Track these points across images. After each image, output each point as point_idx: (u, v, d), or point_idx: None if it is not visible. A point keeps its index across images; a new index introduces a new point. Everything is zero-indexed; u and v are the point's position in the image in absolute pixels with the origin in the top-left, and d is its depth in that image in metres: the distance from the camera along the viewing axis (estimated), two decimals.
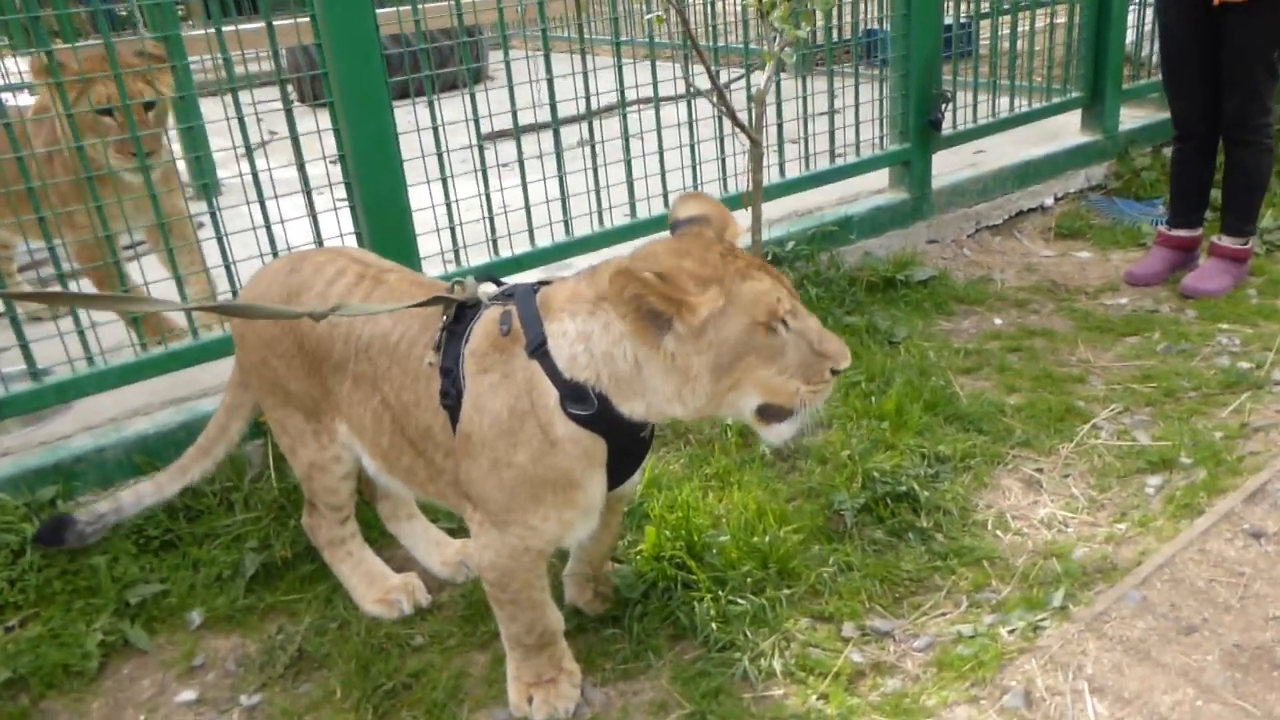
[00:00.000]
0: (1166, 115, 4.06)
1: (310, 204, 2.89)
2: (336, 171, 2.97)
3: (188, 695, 2.22)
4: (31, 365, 2.66)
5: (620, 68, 3.34)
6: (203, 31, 4.32)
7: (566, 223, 3.34)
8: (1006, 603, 2.27)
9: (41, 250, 2.83)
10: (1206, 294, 3.74)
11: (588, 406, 1.73)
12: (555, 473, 1.78)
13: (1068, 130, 4.87)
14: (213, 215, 2.81)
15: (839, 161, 4.00)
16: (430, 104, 3.00)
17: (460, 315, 1.89)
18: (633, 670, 2.15)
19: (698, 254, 1.71)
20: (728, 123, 2.93)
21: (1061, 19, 4.82)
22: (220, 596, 2.45)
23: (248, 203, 2.84)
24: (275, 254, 2.85)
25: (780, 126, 3.80)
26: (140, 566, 2.49)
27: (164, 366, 2.79)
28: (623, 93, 3.36)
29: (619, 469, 1.86)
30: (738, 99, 3.14)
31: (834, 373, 1.72)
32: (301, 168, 2.87)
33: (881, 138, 4.12)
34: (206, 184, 2.85)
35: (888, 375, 3.13)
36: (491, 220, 3.18)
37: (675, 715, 2.03)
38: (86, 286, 3.12)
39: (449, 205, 3.10)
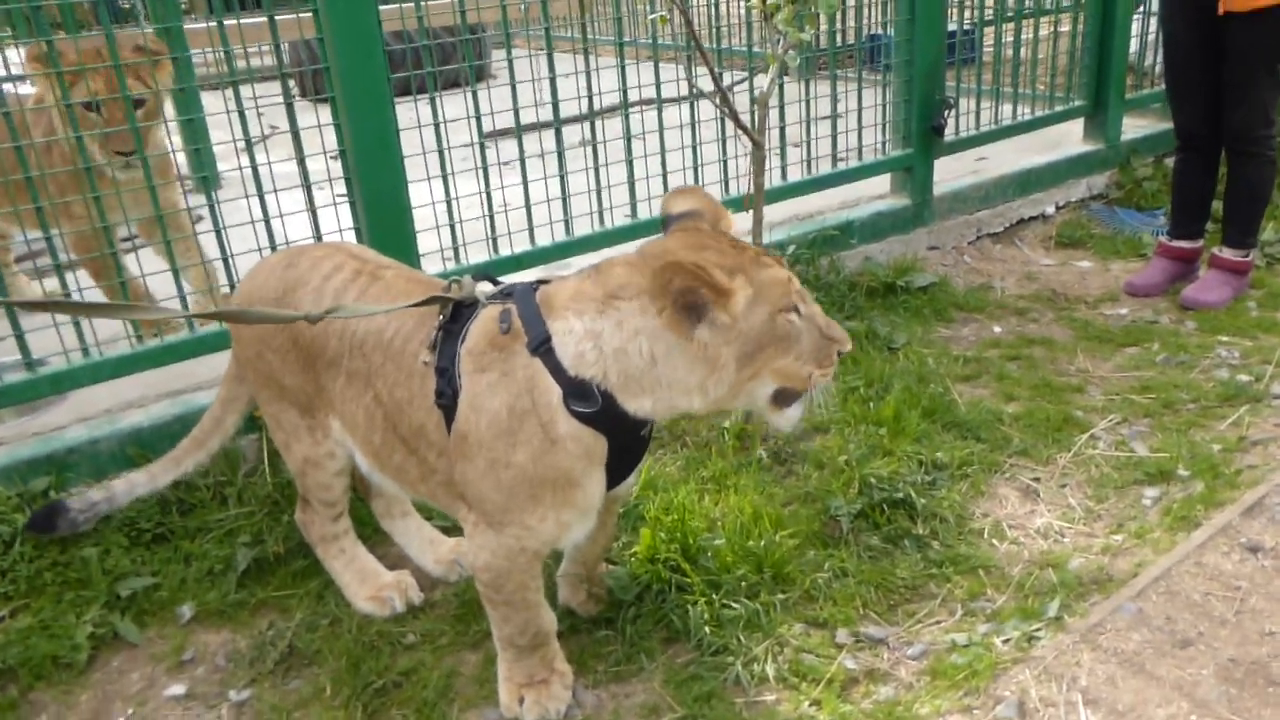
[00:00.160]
0: (1169, 125, 4.06)
1: (310, 199, 2.88)
2: (336, 167, 2.96)
3: (177, 689, 2.21)
4: (26, 355, 2.64)
5: (623, 68, 3.33)
6: (204, 25, 4.31)
7: (567, 222, 3.33)
8: (1001, 612, 2.26)
9: (39, 240, 2.82)
10: (1206, 306, 3.74)
11: (591, 404, 1.73)
12: (555, 472, 1.77)
13: (1070, 139, 4.87)
14: (211, 208, 2.80)
15: (841, 166, 3.99)
16: (432, 100, 2.99)
17: (456, 314, 1.88)
18: (625, 673, 2.14)
19: (714, 246, 1.74)
20: (730, 124, 2.92)
21: (1065, 27, 4.81)
22: (211, 591, 2.43)
23: (246, 196, 2.82)
24: (274, 248, 2.84)
25: (783, 130, 3.79)
26: (131, 559, 2.48)
27: (160, 359, 2.78)
28: (625, 93, 3.35)
29: (618, 468, 1.85)
30: (741, 101, 3.13)
31: (839, 354, 1.79)
32: (302, 162, 2.85)
33: (884, 143, 4.11)
34: (206, 177, 2.84)
35: (886, 381, 3.12)
36: (492, 218, 3.17)
37: (667, 718, 2.02)
38: (84, 277, 3.11)
39: (449, 202, 3.09)
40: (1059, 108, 4.73)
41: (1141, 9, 5.12)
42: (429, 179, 3.05)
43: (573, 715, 2.04)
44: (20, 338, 2.62)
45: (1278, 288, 3.88)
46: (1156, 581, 2.28)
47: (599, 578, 2.28)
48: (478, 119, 3.08)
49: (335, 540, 2.38)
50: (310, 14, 2.77)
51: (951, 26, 4.25)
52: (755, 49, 3.89)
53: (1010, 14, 4.75)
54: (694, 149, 3.55)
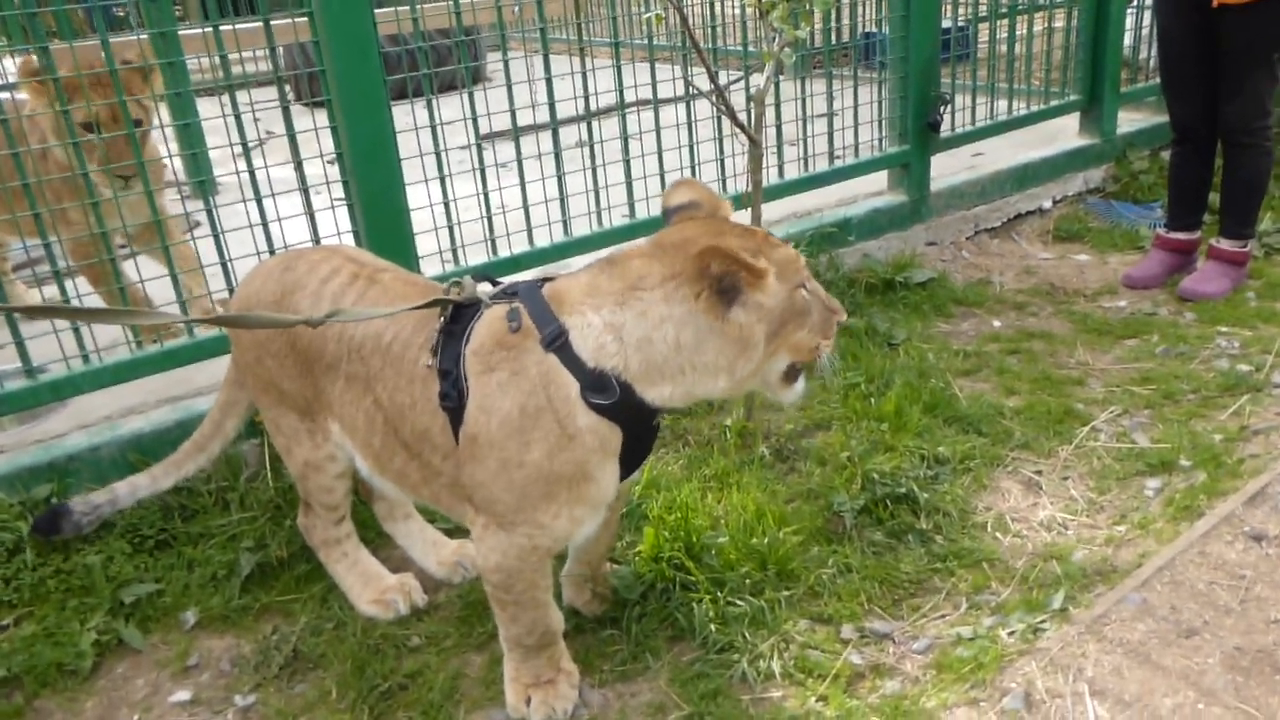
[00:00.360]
0: (1165, 118, 4.06)
1: (308, 202, 2.88)
2: (332, 171, 2.95)
3: (182, 695, 2.21)
4: (27, 362, 2.64)
5: (619, 68, 3.34)
6: (199, 30, 4.31)
7: (565, 223, 3.33)
8: (1006, 605, 2.26)
9: (36, 247, 2.82)
10: (1205, 297, 3.74)
11: (610, 395, 1.74)
12: (571, 467, 1.77)
13: (1066, 133, 4.87)
14: (209, 213, 2.80)
15: (838, 163, 3.99)
16: (429, 103, 2.99)
17: (457, 316, 1.88)
18: (631, 671, 2.14)
19: (729, 231, 1.79)
20: (727, 124, 2.92)
21: (1060, 22, 4.82)
22: (215, 596, 2.43)
23: (244, 201, 2.82)
24: (272, 252, 2.84)
25: (779, 128, 3.80)
26: (135, 566, 2.47)
27: (160, 365, 2.78)
28: (622, 93, 3.35)
29: (630, 459, 1.86)
30: (737, 100, 3.13)
31: (838, 324, 1.89)
32: (299, 166, 2.85)
33: (880, 140, 4.11)
34: (204, 181, 2.83)
35: (887, 377, 3.12)
36: (490, 220, 3.17)
37: (673, 717, 2.02)
38: (82, 284, 3.11)
39: (447, 204, 3.09)
40: (1054, 102, 4.74)
41: (1135, 2, 5.13)
42: (426, 181, 3.05)
43: (579, 715, 2.04)
44: (20, 345, 2.61)
45: (1276, 278, 3.88)
46: (1160, 572, 2.28)
47: (603, 577, 2.28)
48: (475, 120, 3.08)
49: (338, 544, 2.38)
50: (305, 18, 2.78)
51: (946, 23, 4.25)
52: (751, 48, 3.89)
53: (1005, 9, 4.76)
54: (691, 148, 3.55)
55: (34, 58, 2.75)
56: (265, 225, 2.85)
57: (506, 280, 2.00)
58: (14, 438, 2.75)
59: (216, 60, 2.77)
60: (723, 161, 3.65)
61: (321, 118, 2.86)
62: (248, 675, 2.23)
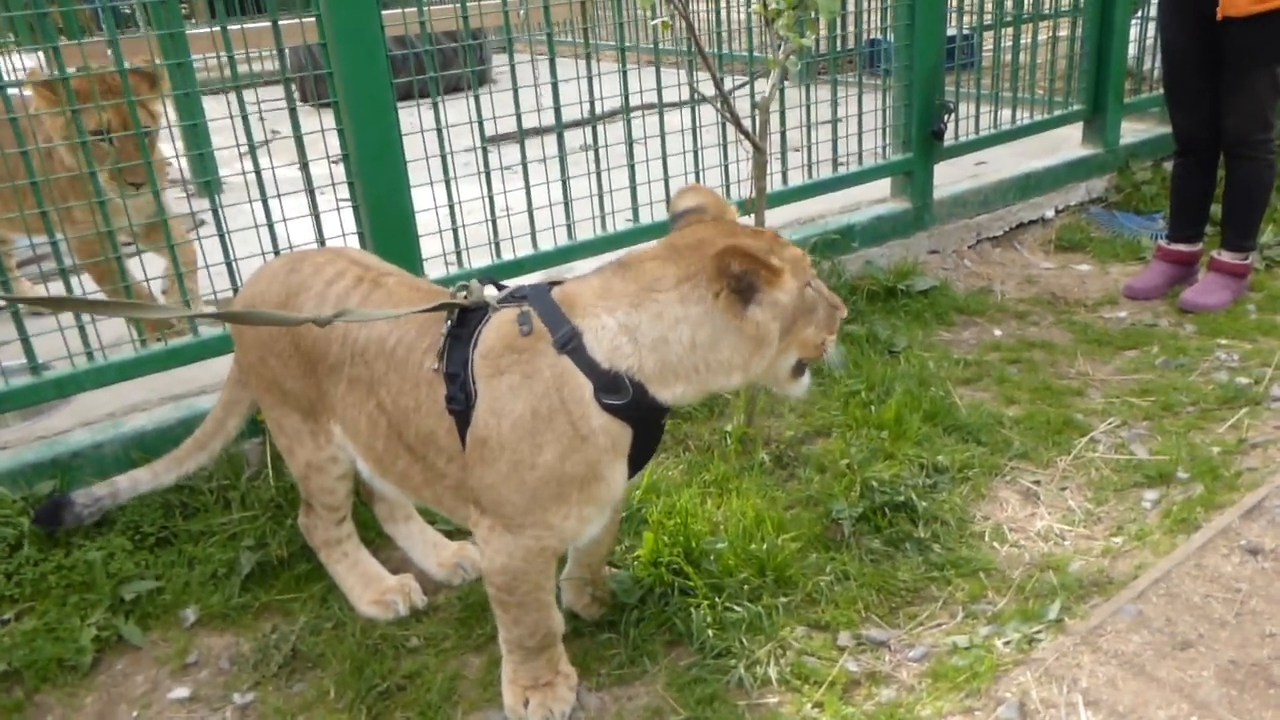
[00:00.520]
0: (1168, 129, 4.07)
1: (313, 204, 2.89)
2: (338, 171, 2.97)
3: (181, 692, 2.22)
4: (32, 360, 2.65)
5: (625, 73, 3.35)
6: (207, 30, 4.32)
7: (569, 226, 3.34)
8: (1002, 614, 2.27)
9: (42, 244, 2.84)
10: (1205, 309, 3.75)
11: (623, 396, 1.76)
12: (583, 467, 1.79)
13: (1069, 143, 4.88)
14: (215, 213, 2.81)
15: (841, 170, 4.01)
16: (435, 105, 3.00)
17: (464, 319, 1.89)
18: (628, 675, 2.15)
19: (740, 232, 1.84)
20: (731, 129, 2.93)
21: (1064, 31, 4.83)
22: (215, 594, 2.44)
23: (250, 201, 2.83)
24: (277, 252, 2.85)
25: (784, 134, 3.81)
26: (135, 563, 2.48)
27: (163, 363, 2.79)
28: (627, 98, 3.36)
29: (638, 457, 1.88)
30: (742, 106, 3.15)
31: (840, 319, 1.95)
32: (305, 167, 2.87)
33: (884, 147, 4.12)
34: (210, 181, 2.85)
35: (887, 385, 3.13)
36: (494, 223, 3.18)
37: None
38: (87, 281, 3.12)
39: (451, 207, 3.10)
40: (1058, 112, 4.75)
41: (1140, 13, 5.14)
42: (431, 184, 3.07)
43: (576, 717, 2.05)
44: (26, 341, 2.63)
45: (1277, 291, 3.89)
46: (1157, 584, 2.29)
47: (602, 581, 2.29)
48: (480, 124, 3.10)
49: (338, 544, 2.39)
50: (313, 19, 2.79)
51: (951, 31, 4.26)
52: (756, 53, 3.90)
53: (1009, 19, 4.77)
54: (696, 154, 3.57)
55: (39, 69, 2.77)
56: (271, 226, 2.86)
57: (509, 283, 2.01)
58: (18, 434, 2.76)
59: (223, 59, 2.79)
60: (727, 167, 3.66)
61: (328, 117, 2.87)
62: (247, 673, 2.24)
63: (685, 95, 3.45)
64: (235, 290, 2.80)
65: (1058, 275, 4.23)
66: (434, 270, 3.11)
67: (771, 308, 1.78)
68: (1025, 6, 4.88)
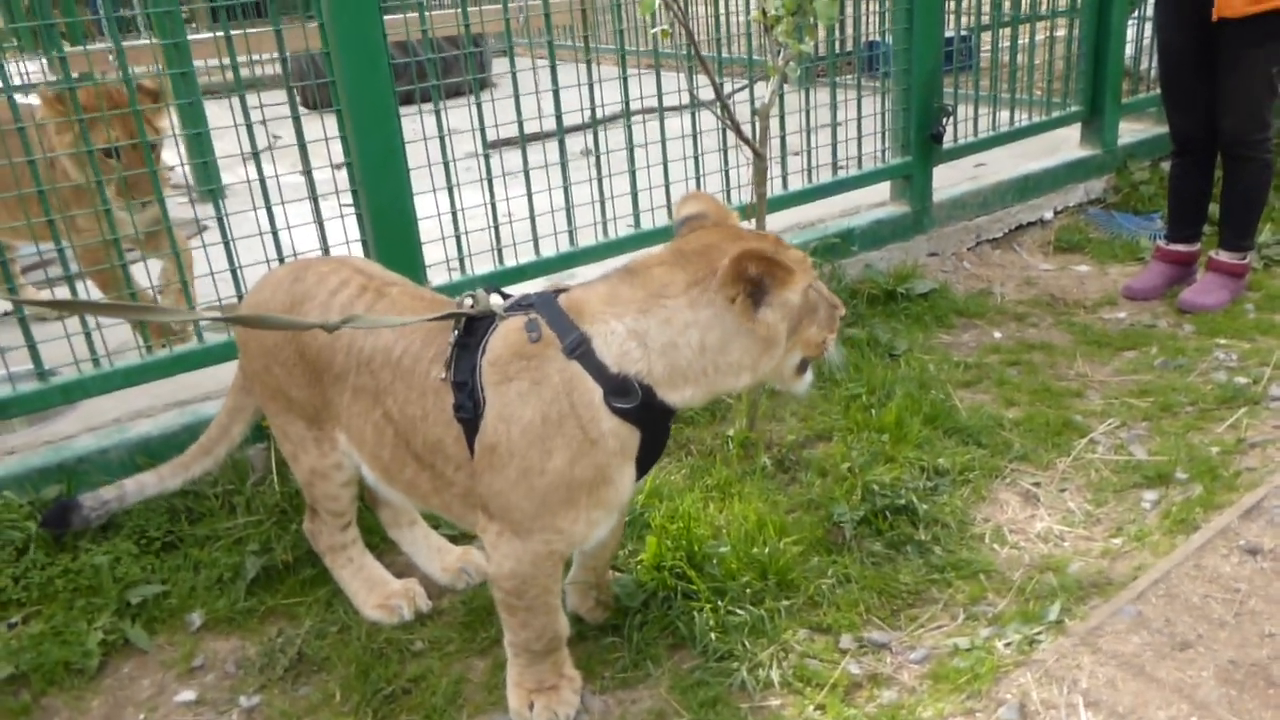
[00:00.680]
0: (1165, 129, 4.09)
1: (317, 211, 2.91)
2: (339, 177, 2.98)
3: (187, 695, 2.24)
4: (38, 365, 2.67)
5: (625, 80, 3.36)
6: (210, 35, 4.34)
7: (571, 233, 3.36)
8: (1003, 616, 2.29)
9: (47, 251, 2.86)
10: (1204, 309, 3.77)
11: (631, 399, 1.79)
12: (593, 471, 1.81)
13: (1067, 144, 4.90)
14: (220, 220, 2.83)
15: (841, 174, 4.02)
16: (436, 113, 3.02)
17: (471, 328, 1.91)
18: (632, 679, 2.17)
19: (745, 236, 1.88)
20: (731, 134, 2.95)
21: (1061, 31, 4.85)
22: (221, 598, 2.46)
23: (255, 209, 2.85)
24: (281, 259, 2.87)
25: (783, 139, 3.83)
26: (142, 567, 2.50)
27: (169, 369, 2.81)
28: (628, 104, 3.38)
29: (645, 460, 1.90)
30: (741, 111, 3.16)
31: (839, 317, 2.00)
32: (308, 174, 2.88)
33: (883, 151, 4.14)
34: (214, 189, 2.87)
35: (888, 388, 3.15)
36: (496, 229, 3.20)
37: None
38: (92, 288, 3.14)
39: (454, 214, 3.12)
40: (1056, 113, 4.77)
41: (1136, 14, 5.16)
42: (434, 191, 3.08)
43: None
44: (33, 348, 2.65)
45: (1275, 290, 3.91)
46: (1156, 584, 2.30)
47: (606, 585, 2.31)
48: (482, 130, 3.12)
49: (343, 549, 2.41)
50: (316, 26, 2.80)
51: (949, 33, 4.28)
52: (755, 56, 3.92)
53: (1006, 19, 4.79)
54: (696, 159, 3.58)
55: (47, 89, 2.80)
56: (275, 233, 2.87)
57: (510, 290, 2.03)
58: (24, 439, 2.78)
59: (225, 62, 2.80)
60: (727, 173, 3.68)
61: (330, 122, 2.89)
62: (253, 677, 2.26)
63: (685, 100, 3.47)
64: (240, 297, 2.82)
65: (1057, 276, 4.25)
66: (437, 277, 3.12)
67: (780, 309, 1.82)
68: (1023, 7, 4.90)
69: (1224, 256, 3.85)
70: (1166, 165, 4.26)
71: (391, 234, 2.97)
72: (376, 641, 2.31)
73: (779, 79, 2.75)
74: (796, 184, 3.90)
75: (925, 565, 2.45)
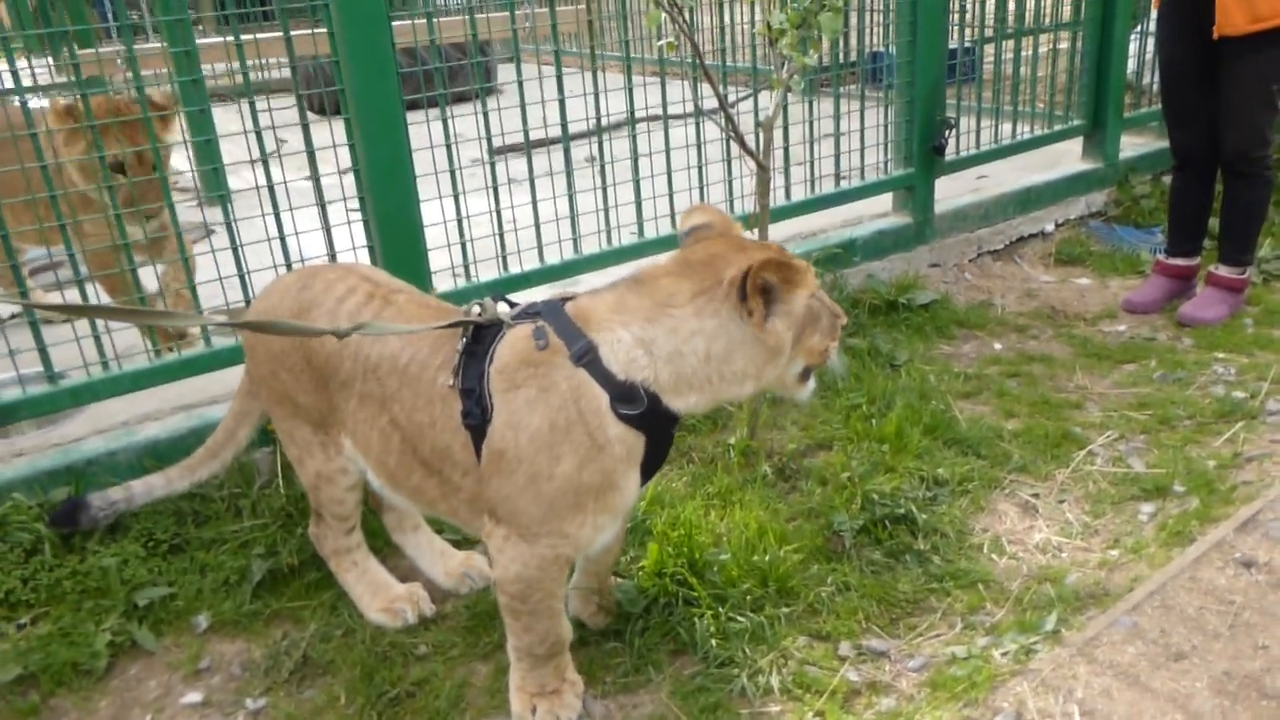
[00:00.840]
0: (1166, 144, 4.12)
1: (324, 217, 2.94)
2: (346, 181, 3.01)
3: (193, 697, 2.26)
4: (48, 368, 2.70)
5: (631, 90, 3.39)
6: (220, 40, 4.38)
7: (575, 241, 3.39)
8: (1000, 625, 2.31)
9: (56, 254, 2.89)
10: (1203, 323, 3.79)
11: (637, 405, 1.82)
12: (600, 476, 1.84)
13: (1069, 157, 4.93)
14: (228, 227, 2.86)
15: (844, 185, 4.05)
16: (444, 121, 3.05)
17: (479, 336, 1.94)
18: (633, 684, 2.19)
19: (750, 247, 1.92)
20: (735, 145, 2.98)
21: (1064, 44, 4.88)
22: (227, 601, 2.48)
23: (263, 215, 2.88)
24: (289, 265, 2.90)
25: (786, 149, 3.86)
26: (149, 569, 2.53)
27: (177, 373, 2.84)
28: (633, 114, 3.41)
29: (649, 465, 1.93)
30: (745, 121, 3.19)
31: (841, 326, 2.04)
32: (316, 181, 2.91)
33: (886, 162, 4.17)
34: (224, 195, 2.90)
35: (888, 398, 3.18)
36: (501, 237, 3.23)
37: None
38: (101, 291, 3.17)
39: (460, 221, 3.15)
40: (1058, 126, 4.80)
41: (1139, 28, 5.19)
42: (440, 198, 3.11)
43: None
44: (43, 351, 2.68)
45: (1274, 305, 3.94)
46: (1152, 596, 2.33)
47: (608, 590, 2.33)
48: (489, 138, 3.15)
49: (348, 553, 2.43)
50: (326, 34, 2.84)
51: (952, 44, 4.32)
52: (759, 64, 3.95)
53: (1010, 32, 4.83)
54: (700, 169, 3.62)
55: (61, 101, 2.84)
56: (283, 239, 2.90)
57: (515, 296, 2.07)
58: (34, 441, 2.81)
59: (232, 67, 2.84)
60: (731, 183, 3.71)
61: (338, 126, 2.92)
62: (258, 679, 2.28)
63: (689, 109, 3.50)
64: (247, 302, 2.85)
65: (1057, 289, 4.28)
66: (441, 283, 3.15)
67: (786, 318, 1.86)
68: (1026, 20, 4.94)
69: (1223, 271, 3.88)
70: (1167, 179, 4.30)
71: (398, 240, 3.00)
72: (381, 645, 2.33)
73: (783, 92, 2.78)
74: (799, 194, 3.93)
75: (924, 574, 2.48)
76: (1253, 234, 3.87)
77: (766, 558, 2.43)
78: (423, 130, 3.09)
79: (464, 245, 3.18)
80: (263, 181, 2.84)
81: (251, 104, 2.80)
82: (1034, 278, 4.41)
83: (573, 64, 4.60)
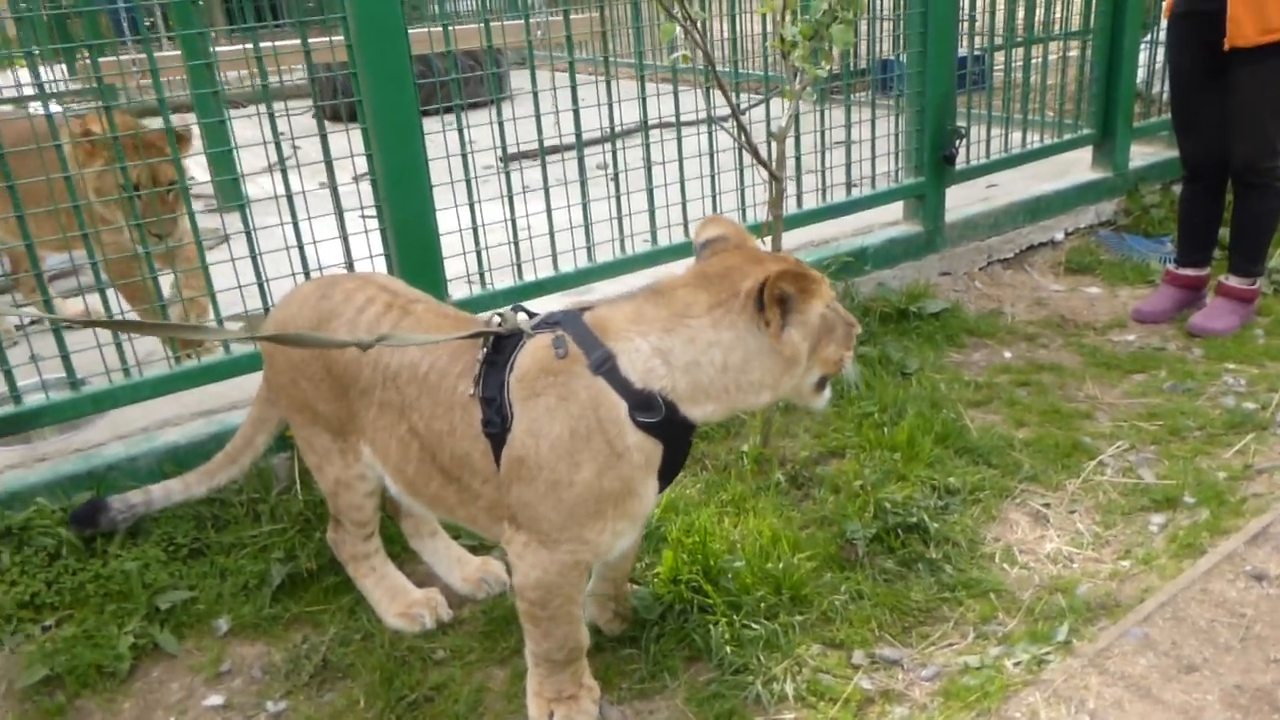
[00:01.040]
0: (1176, 154, 4.13)
1: (341, 225, 2.97)
2: (359, 188, 3.04)
3: (215, 700, 2.29)
4: (71, 375, 2.74)
5: (644, 100, 3.42)
6: (240, 47, 4.42)
7: (589, 249, 3.42)
8: (1012, 635, 2.33)
9: (75, 259, 2.93)
10: (1213, 333, 3.81)
11: (655, 414, 1.85)
12: (619, 483, 1.87)
13: (1079, 166, 4.95)
14: (247, 235, 2.89)
15: (855, 194, 4.08)
16: (460, 131, 3.09)
17: (499, 345, 1.97)
18: (649, 690, 2.22)
19: (766, 259, 1.94)
20: (747, 154, 3.01)
21: (1074, 52, 4.89)
22: (247, 605, 2.52)
23: (281, 224, 2.91)
24: (307, 274, 2.93)
25: (798, 158, 3.88)
26: (170, 573, 2.56)
27: (196, 380, 2.87)
28: (646, 122, 3.44)
29: (667, 473, 1.96)
30: (757, 130, 3.22)
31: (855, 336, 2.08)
32: (334, 190, 2.95)
33: (897, 171, 4.20)
34: (242, 205, 2.93)
35: (900, 406, 3.20)
36: (516, 245, 3.26)
37: None
38: (122, 299, 3.21)
39: (475, 229, 3.18)
40: (1068, 136, 4.82)
41: (1148, 38, 5.21)
42: (456, 206, 3.15)
43: None
44: (65, 358, 2.71)
45: None
46: (1163, 607, 2.34)
47: (624, 597, 2.36)
48: (503, 146, 3.18)
49: (366, 559, 2.46)
50: (343, 42, 2.87)
51: (962, 52, 4.34)
52: (772, 71, 3.97)
53: (1020, 40, 4.84)
54: (713, 178, 3.64)
55: (83, 120, 2.88)
56: (301, 247, 2.93)
57: (530, 304, 2.10)
58: (56, 446, 2.85)
59: (250, 74, 2.88)
60: (743, 191, 3.74)
61: (354, 134, 2.95)
62: (279, 682, 2.31)
63: (702, 117, 3.53)
64: (265, 309, 2.88)
65: (1067, 298, 4.29)
66: (457, 291, 3.18)
67: (802, 328, 1.89)
68: (1036, 29, 4.96)
69: (1234, 282, 3.89)
70: (1177, 189, 4.31)
71: (414, 249, 3.03)
72: (399, 649, 2.36)
73: (795, 103, 2.80)
74: (811, 203, 3.95)
75: (936, 583, 2.50)
76: (1263, 244, 3.88)
77: (780, 565, 2.45)
78: (438, 139, 3.12)
79: (479, 253, 3.21)
80: (280, 191, 2.87)
81: (271, 114, 2.83)
82: (1044, 286, 4.42)
83: (585, 70, 4.63)
